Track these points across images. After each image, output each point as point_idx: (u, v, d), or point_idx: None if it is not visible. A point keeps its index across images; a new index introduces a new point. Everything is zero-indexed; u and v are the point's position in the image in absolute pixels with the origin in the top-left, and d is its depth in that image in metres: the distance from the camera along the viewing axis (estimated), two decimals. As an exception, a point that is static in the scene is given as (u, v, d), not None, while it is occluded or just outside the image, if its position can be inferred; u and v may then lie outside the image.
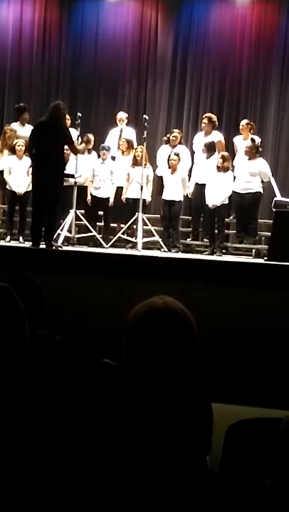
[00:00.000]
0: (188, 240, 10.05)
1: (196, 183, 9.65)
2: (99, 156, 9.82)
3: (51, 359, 2.85)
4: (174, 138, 9.98)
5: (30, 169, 8.74)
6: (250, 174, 9.38)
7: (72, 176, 9.16)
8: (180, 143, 10.01)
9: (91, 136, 10.13)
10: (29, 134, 8.60)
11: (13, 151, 9.53)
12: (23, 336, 1.79)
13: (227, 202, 9.36)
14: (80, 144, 9.48)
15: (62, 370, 2.83)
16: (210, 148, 9.62)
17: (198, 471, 1.83)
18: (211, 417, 2.01)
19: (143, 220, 9.13)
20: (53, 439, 1.70)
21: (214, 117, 10.12)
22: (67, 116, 10.04)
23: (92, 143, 10.11)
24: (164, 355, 1.89)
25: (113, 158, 9.91)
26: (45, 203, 8.03)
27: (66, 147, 8.30)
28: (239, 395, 5.46)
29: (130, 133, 10.30)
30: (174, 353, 1.90)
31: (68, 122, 9.99)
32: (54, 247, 8.15)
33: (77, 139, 9.54)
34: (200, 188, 9.56)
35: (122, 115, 10.46)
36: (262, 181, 9.48)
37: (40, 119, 8.49)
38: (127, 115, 10.50)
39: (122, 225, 9.55)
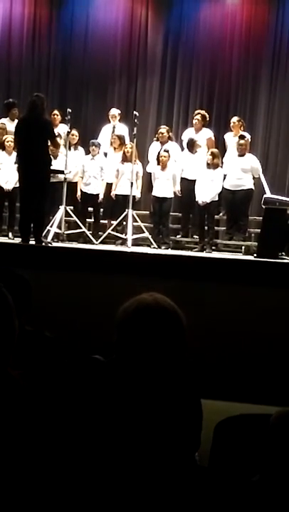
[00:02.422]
0: (178, 236, 10.06)
1: (185, 180, 9.65)
2: (88, 152, 9.81)
3: (41, 355, 2.85)
4: (161, 134, 9.97)
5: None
6: (242, 171, 9.41)
7: (62, 172, 9.14)
8: (169, 139, 10.00)
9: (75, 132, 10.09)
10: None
11: (2, 147, 9.50)
12: (12, 332, 1.79)
13: (217, 199, 9.38)
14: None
15: (52, 366, 2.82)
16: (191, 146, 9.64)
17: (187, 467, 1.83)
18: (200, 414, 2.02)
19: (133, 216, 9.12)
20: (42, 435, 1.70)
21: (206, 114, 10.14)
22: (57, 112, 10.03)
23: (77, 138, 10.07)
24: (154, 351, 1.89)
25: (105, 154, 9.91)
26: (32, 199, 8.01)
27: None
28: (228, 391, 5.48)
29: (123, 129, 10.29)
30: (164, 349, 1.90)
31: (58, 118, 9.97)
32: (44, 244, 8.14)
33: (67, 134, 9.53)
34: (188, 185, 9.57)
35: (114, 112, 10.44)
36: (253, 178, 9.51)
37: (21, 115, 8.46)
38: (119, 111, 10.49)
39: (112, 222, 9.54)
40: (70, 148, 9.85)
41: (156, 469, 1.75)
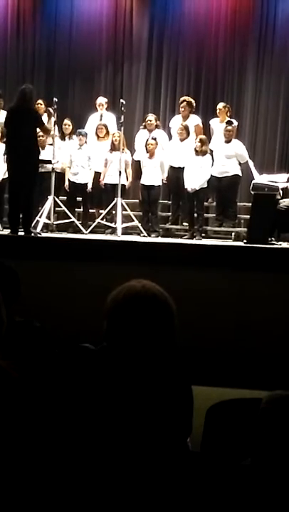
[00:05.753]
0: (167, 224, 10.05)
1: (173, 167, 9.63)
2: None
3: (30, 345, 2.85)
4: (149, 122, 9.94)
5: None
6: (226, 157, 9.41)
7: (50, 162, 9.10)
8: (157, 126, 9.97)
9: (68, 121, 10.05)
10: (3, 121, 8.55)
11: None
12: (0, 322, 1.79)
13: (206, 186, 9.37)
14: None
15: (42, 356, 2.82)
16: (185, 132, 9.66)
17: (179, 453, 1.84)
18: (191, 399, 2.02)
19: (122, 205, 9.11)
20: (32, 425, 1.70)
21: (193, 101, 10.10)
22: (41, 102, 9.95)
23: (70, 128, 10.02)
24: (144, 338, 1.89)
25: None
26: (21, 190, 7.99)
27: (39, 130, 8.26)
28: (219, 377, 5.50)
29: (110, 118, 10.24)
30: (154, 335, 1.90)
31: (43, 108, 9.88)
32: (33, 234, 8.12)
33: (54, 124, 9.49)
34: (177, 172, 9.55)
35: (101, 100, 10.40)
36: (239, 163, 9.50)
37: (9, 105, 8.44)
38: (106, 100, 10.44)
39: (101, 211, 9.53)
40: (64, 138, 9.81)
41: (148, 455, 1.76)
